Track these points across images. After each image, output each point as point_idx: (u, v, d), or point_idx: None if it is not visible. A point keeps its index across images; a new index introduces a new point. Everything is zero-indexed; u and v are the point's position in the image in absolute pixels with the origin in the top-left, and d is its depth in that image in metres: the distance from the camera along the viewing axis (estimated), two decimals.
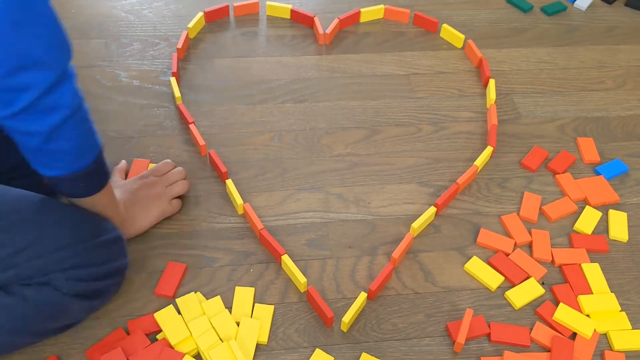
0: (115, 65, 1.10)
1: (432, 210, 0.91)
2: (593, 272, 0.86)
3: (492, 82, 1.09)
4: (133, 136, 1.00)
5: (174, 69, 1.07)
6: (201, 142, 0.97)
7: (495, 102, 1.06)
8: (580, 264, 0.87)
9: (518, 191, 0.96)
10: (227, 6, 1.20)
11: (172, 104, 1.04)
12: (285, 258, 0.82)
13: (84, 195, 0.73)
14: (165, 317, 0.78)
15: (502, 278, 0.85)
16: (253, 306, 0.81)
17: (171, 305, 0.80)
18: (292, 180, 0.96)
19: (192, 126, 0.98)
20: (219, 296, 0.81)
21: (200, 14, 1.17)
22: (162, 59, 1.12)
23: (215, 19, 1.20)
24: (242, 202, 0.88)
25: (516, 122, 1.06)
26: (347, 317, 0.78)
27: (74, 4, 1.22)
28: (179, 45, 1.11)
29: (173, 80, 1.05)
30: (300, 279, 0.80)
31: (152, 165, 0.94)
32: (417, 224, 0.88)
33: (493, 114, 1.04)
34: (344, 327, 0.79)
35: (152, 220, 0.87)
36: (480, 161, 0.97)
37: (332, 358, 0.76)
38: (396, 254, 0.84)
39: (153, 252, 0.86)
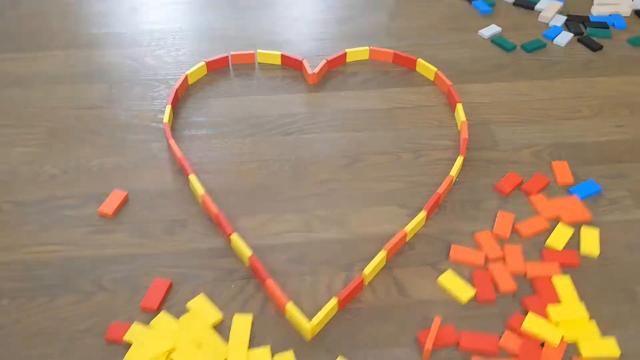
0: (117, 106, 1.19)
1: (423, 214, 0.95)
2: (563, 284, 0.88)
3: (459, 105, 1.15)
4: (129, 167, 1.07)
5: (170, 101, 1.16)
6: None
7: (465, 122, 1.12)
8: (550, 277, 0.89)
9: (492, 211, 1.00)
10: (227, 57, 1.29)
11: (166, 139, 1.12)
12: (290, 306, 0.84)
13: None
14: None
15: (473, 291, 0.88)
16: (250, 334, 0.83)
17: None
18: (277, 204, 1.01)
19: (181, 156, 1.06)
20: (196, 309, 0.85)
21: (202, 63, 1.27)
22: (160, 99, 1.21)
23: (216, 68, 1.29)
24: (250, 252, 0.90)
25: (492, 149, 1.11)
26: (316, 319, 0.82)
27: (81, 54, 1.33)
28: (177, 86, 1.20)
29: (168, 107, 1.14)
30: (306, 325, 0.81)
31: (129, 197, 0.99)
32: (409, 228, 0.93)
33: (464, 130, 1.10)
34: (314, 331, 0.82)
35: None
36: (454, 171, 1.02)
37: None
38: (367, 269, 0.88)
39: (140, 271, 0.91)
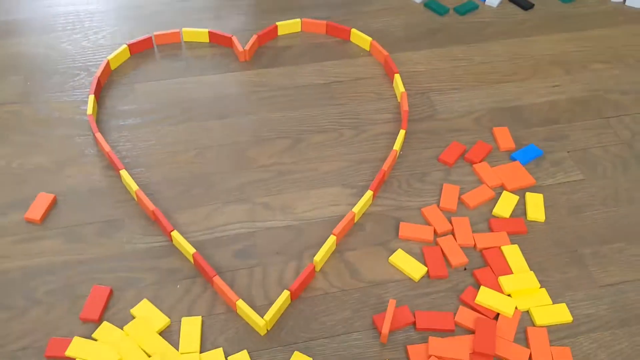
0: (35, 99, 1.10)
1: (370, 193, 0.93)
2: (512, 253, 0.89)
3: (397, 76, 1.13)
4: (54, 167, 1.00)
5: (92, 91, 1.08)
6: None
7: (404, 92, 1.10)
8: (500, 247, 0.89)
9: (437, 184, 0.99)
10: (150, 38, 1.21)
11: (92, 132, 1.04)
12: (240, 303, 0.80)
13: None
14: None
15: (425, 269, 0.87)
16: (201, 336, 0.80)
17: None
18: (218, 194, 0.97)
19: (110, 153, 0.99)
20: (142, 318, 0.81)
21: (124, 46, 1.18)
22: (82, 89, 1.13)
23: (140, 51, 1.21)
24: (193, 250, 0.86)
25: (433, 118, 1.09)
26: (269, 315, 0.79)
27: None
28: (98, 74, 1.12)
29: (91, 97, 1.06)
30: (258, 322, 0.79)
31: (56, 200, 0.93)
32: (357, 208, 0.91)
33: (404, 102, 1.08)
34: (267, 326, 0.79)
35: None
36: (397, 145, 1.00)
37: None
38: (318, 256, 0.85)
39: (77, 279, 0.85)
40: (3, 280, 0.85)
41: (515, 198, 0.96)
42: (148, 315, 0.81)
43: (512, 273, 0.86)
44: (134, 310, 0.82)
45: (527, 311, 0.83)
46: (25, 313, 0.82)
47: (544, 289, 0.85)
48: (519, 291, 0.84)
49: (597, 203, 0.96)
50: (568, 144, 1.05)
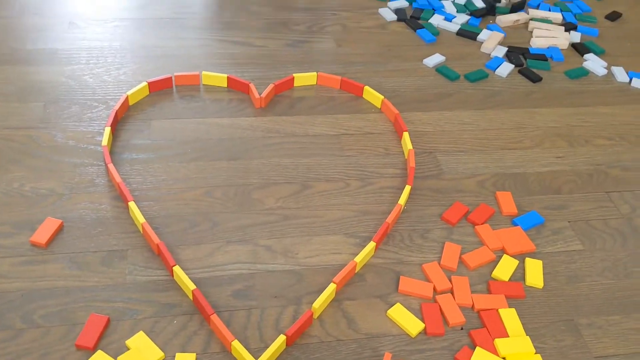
0: (52, 127, 1.13)
1: (372, 245, 0.94)
2: (509, 316, 0.89)
3: (405, 134, 1.16)
4: (64, 193, 1.01)
5: (109, 123, 1.11)
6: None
7: (412, 150, 1.13)
8: (497, 309, 0.90)
9: (439, 241, 1.00)
10: (170, 78, 1.25)
11: (105, 163, 1.06)
12: (236, 344, 0.80)
13: None
14: None
15: (423, 325, 0.87)
16: None
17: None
18: (222, 233, 0.98)
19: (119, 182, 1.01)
20: (133, 350, 0.81)
21: (144, 83, 1.22)
22: (99, 120, 1.16)
23: (159, 89, 1.25)
24: (193, 286, 0.87)
25: (439, 177, 1.12)
26: (263, 359, 0.79)
27: (15, 70, 1.26)
28: (117, 107, 1.15)
29: (107, 129, 1.09)
30: None
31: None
32: (359, 259, 0.92)
33: (411, 159, 1.11)
34: None
35: None
36: (402, 200, 1.02)
37: None
38: (317, 303, 0.86)
39: (75, 305, 0.86)
40: (3, 300, 0.85)
41: (515, 262, 0.97)
42: (142, 348, 0.81)
43: (508, 336, 0.87)
44: (129, 342, 0.82)
45: None
46: (21, 335, 0.82)
47: (538, 355, 0.85)
48: (514, 355, 0.84)
49: (595, 274, 0.98)
50: (569, 214, 1.07)
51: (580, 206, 1.09)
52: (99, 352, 0.80)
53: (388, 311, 0.89)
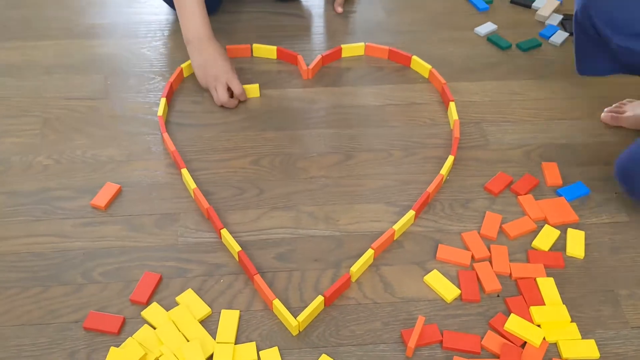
0: (112, 97, 1.20)
1: (412, 213, 0.97)
2: (547, 285, 0.90)
3: (452, 104, 1.16)
4: (123, 160, 1.08)
5: (165, 94, 1.17)
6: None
7: (457, 120, 1.13)
8: (535, 278, 0.91)
9: (480, 211, 1.01)
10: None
11: (160, 132, 1.12)
12: (277, 302, 0.85)
13: None
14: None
15: (458, 291, 0.89)
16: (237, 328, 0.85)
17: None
18: (267, 199, 1.02)
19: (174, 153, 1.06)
20: (187, 306, 0.87)
21: None
22: (155, 92, 1.21)
23: None
24: (239, 248, 0.92)
25: (483, 148, 1.12)
26: (302, 317, 0.83)
27: (77, 44, 1.33)
28: (172, 79, 1.20)
29: (162, 100, 1.15)
30: (291, 322, 0.83)
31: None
32: (398, 226, 0.95)
33: (456, 129, 1.11)
34: (300, 327, 0.84)
35: (201, 77, 1.16)
36: (444, 170, 1.03)
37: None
38: (354, 267, 0.89)
39: (131, 264, 0.92)
40: (64, 259, 0.93)
41: (556, 233, 0.97)
42: (191, 304, 0.87)
43: (544, 304, 0.88)
44: (179, 298, 0.88)
45: (555, 344, 0.84)
46: (81, 290, 0.89)
47: (574, 324, 0.85)
48: (549, 323, 0.85)
49: (639, 246, 0.97)
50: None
51: None
52: (154, 304, 0.86)
53: (425, 277, 0.91)
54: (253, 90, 1.20)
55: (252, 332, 0.85)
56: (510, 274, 0.92)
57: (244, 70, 1.27)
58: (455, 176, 1.07)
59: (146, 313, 0.86)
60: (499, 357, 0.82)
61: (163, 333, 0.83)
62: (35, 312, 0.86)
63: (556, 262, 0.93)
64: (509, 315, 0.86)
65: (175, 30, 1.38)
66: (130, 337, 0.83)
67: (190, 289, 0.89)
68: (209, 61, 1.16)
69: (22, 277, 0.90)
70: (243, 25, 1.40)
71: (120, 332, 0.84)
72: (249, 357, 0.81)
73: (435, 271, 0.91)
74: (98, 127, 1.14)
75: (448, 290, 0.89)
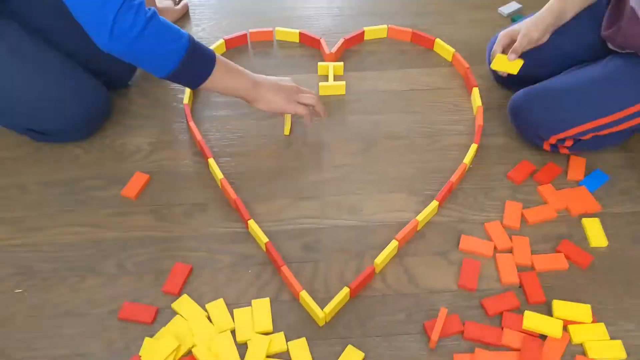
0: (140, 86, 1.21)
1: (435, 204, 0.98)
2: (593, 226, 0.96)
3: (475, 90, 1.16)
4: (151, 149, 1.10)
5: None
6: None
7: (481, 107, 1.13)
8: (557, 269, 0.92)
9: (503, 200, 1.02)
10: (245, 34, 1.30)
11: (186, 119, 1.14)
12: (304, 294, 0.88)
13: (201, 81, 0.95)
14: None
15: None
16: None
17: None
18: (293, 189, 1.04)
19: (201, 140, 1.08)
20: (221, 299, 0.90)
21: (221, 40, 1.27)
22: None
23: (235, 46, 1.30)
24: (266, 239, 0.94)
25: (508, 135, 1.12)
26: (328, 308, 0.86)
27: None
28: None
29: (187, 91, 1.17)
30: (318, 313, 0.86)
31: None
32: (421, 217, 0.96)
33: (479, 116, 1.12)
34: (326, 318, 0.87)
35: (277, 104, 1.03)
36: (467, 159, 1.04)
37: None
38: (378, 259, 0.92)
39: (162, 254, 0.96)
40: (98, 249, 0.96)
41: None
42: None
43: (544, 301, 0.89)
44: (209, 306, 0.90)
45: (580, 344, 0.85)
46: (116, 280, 0.93)
47: (602, 324, 0.86)
48: (578, 326, 0.86)
49: None
50: (638, 173, 1.06)
51: None
52: (184, 297, 0.89)
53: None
54: (339, 88, 1.20)
55: (280, 322, 0.88)
56: (533, 265, 0.93)
57: (267, 54, 1.28)
58: (479, 164, 1.08)
59: (177, 305, 0.89)
60: (519, 351, 0.84)
61: (195, 324, 0.86)
62: (73, 302, 0.90)
63: (582, 260, 0.94)
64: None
65: (198, 13, 1.38)
66: (163, 327, 0.86)
67: (221, 299, 0.90)
68: (275, 86, 1.03)
69: (59, 267, 0.94)
70: (265, 8, 1.39)
71: (154, 322, 0.88)
72: (279, 347, 0.85)
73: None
74: (126, 116, 1.16)
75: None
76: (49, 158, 1.09)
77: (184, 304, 0.89)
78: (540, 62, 1.08)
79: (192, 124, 1.11)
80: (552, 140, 1.03)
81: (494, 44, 1.11)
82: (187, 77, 0.95)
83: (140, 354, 0.84)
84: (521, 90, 1.06)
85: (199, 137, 1.09)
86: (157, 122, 1.15)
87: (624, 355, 0.84)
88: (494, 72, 1.18)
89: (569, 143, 1.04)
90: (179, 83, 0.98)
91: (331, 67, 1.21)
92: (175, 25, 0.93)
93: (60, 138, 1.09)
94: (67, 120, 1.05)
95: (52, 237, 0.98)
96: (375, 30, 1.30)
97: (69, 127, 1.06)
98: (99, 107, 1.09)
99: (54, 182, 1.05)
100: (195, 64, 0.94)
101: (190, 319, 0.87)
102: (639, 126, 1.02)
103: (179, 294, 0.91)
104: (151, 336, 0.86)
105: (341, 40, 1.27)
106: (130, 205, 1.02)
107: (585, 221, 0.98)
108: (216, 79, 0.97)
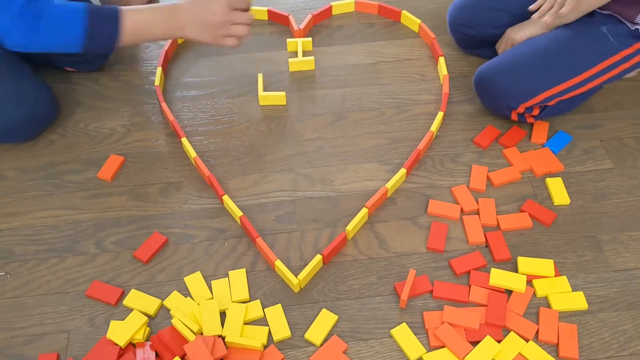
0: (110, 69, 1.23)
1: (403, 171, 1.01)
2: (556, 185, 0.99)
3: (441, 59, 1.19)
4: (122, 130, 1.12)
5: (160, 63, 1.20)
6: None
7: (447, 75, 1.16)
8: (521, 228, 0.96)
9: (469, 165, 1.05)
10: None
11: (158, 101, 1.16)
12: (278, 263, 0.91)
13: (111, 47, 0.98)
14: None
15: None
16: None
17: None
18: (265, 164, 1.07)
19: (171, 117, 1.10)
20: (199, 272, 0.93)
21: None
22: (151, 60, 1.24)
23: None
24: (240, 213, 0.97)
25: (473, 102, 1.15)
26: (302, 275, 0.89)
27: None
28: (166, 47, 1.23)
29: (159, 69, 1.18)
30: (293, 280, 0.90)
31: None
32: (390, 185, 0.99)
33: (445, 84, 1.14)
34: (301, 284, 0.90)
35: (200, 38, 1.00)
36: (434, 127, 1.07)
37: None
38: (350, 226, 0.95)
39: (140, 232, 0.98)
40: (77, 230, 0.99)
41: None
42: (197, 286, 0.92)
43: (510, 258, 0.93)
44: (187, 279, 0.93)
45: (545, 297, 0.89)
46: (95, 259, 0.95)
47: (564, 277, 0.90)
48: (542, 280, 0.90)
49: (623, 192, 1.01)
50: (601, 132, 1.09)
51: (614, 125, 1.10)
52: (174, 293, 0.90)
53: (392, 330, 0.92)
54: (308, 64, 1.22)
55: (257, 291, 0.91)
56: (498, 224, 0.97)
57: None
58: (446, 131, 1.11)
59: (168, 302, 0.90)
60: (485, 306, 0.88)
61: (173, 300, 0.89)
62: (55, 282, 0.93)
63: (546, 218, 0.97)
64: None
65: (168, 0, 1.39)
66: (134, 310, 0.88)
67: (198, 272, 0.93)
68: (198, 24, 0.98)
69: (40, 250, 0.96)
70: None
71: (118, 304, 0.90)
72: (256, 314, 0.88)
73: (403, 325, 0.87)
74: (99, 100, 1.17)
75: (412, 349, 0.84)
76: (24, 144, 1.10)
77: (175, 301, 0.90)
78: (498, 23, 1.13)
79: (164, 104, 1.13)
80: (521, 109, 1.05)
81: (454, 10, 1.17)
82: (98, 47, 0.98)
83: (107, 336, 0.85)
84: (484, 65, 1.08)
85: (171, 117, 1.11)
86: (130, 105, 1.16)
87: (585, 305, 0.88)
88: (456, 36, 1.20)
89: (535, 111, 1.06)
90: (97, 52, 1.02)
91: (300, 43, 1.23)
92: (70, 4, 0.94)
93: (2, 140, 1.09)
94: (7, 123, 1.04)
95: (31, 221, 1.00)
96: (343, 5, 1.32)
97: (9, 129, 1.05)
98: (40, 109, 1.07)
99: (30, 167, 1.07)
100: (101, 32, 0.96)
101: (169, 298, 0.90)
102: (600, 86, 1.06)
103: (147, 263, 0.94)
104: (131, 310, 0.89)
105: (309, 17, 1.28)
106: (107, 187, 1.04)
107: (549, 181, 1.02)
108: (130, 32, 0.97)
